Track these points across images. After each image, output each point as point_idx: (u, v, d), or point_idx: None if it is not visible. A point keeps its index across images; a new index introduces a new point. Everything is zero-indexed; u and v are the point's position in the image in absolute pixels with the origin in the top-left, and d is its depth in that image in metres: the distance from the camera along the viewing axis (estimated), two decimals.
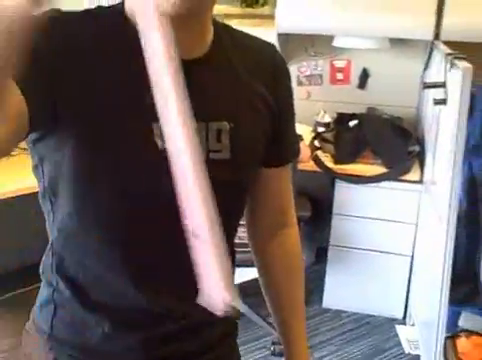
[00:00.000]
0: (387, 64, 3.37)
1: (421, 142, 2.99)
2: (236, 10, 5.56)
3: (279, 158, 1.02)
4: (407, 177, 2.88)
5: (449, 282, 2.09)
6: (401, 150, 2.90)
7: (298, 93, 3.56)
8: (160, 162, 0.74)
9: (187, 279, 0.89)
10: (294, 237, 1.12)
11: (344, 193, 2.97)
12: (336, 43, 3.17)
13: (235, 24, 3.50)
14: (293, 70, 3.56)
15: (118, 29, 0.82)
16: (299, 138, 2.73)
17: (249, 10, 5.43)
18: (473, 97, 2.04)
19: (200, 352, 0.98)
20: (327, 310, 3.16)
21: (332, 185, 2.99)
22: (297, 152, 1.07)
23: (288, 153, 1.05)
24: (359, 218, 2.99)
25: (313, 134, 3.21)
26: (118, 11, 0.84)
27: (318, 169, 2.93)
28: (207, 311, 0.96)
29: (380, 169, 2.91)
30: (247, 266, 2.69)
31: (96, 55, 0.80)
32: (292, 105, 1.02)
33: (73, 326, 0.93)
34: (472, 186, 2.20)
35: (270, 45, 0.99)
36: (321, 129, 3.28)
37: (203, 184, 0.67)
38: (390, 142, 2.93)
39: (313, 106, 3.47)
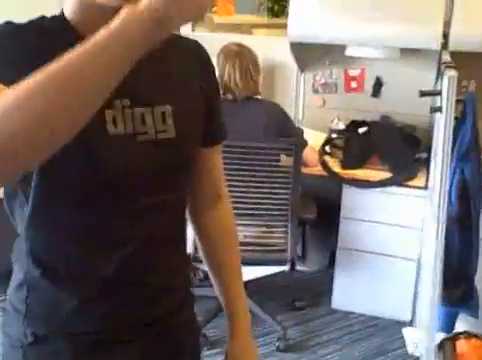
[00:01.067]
0: (400, 73, 3.46)
1: (430, 150, 3.07)
2: (262, 20, 5.70)
3: (212, 138, 1.18)
4: (413, 183, 2.96)
5: (440, 282, 2.16)
6: (408, 157, 2.98)
7: (313, 101, 3.68)
8: (111, 145, 0.94)
9: (152, 249, 1.02)
10: (226, 208, 1.27)
11: (351, 198, 3.07)
12: (348, 52, 3.27)
13: (262, 34, 3.63)
14: (308, 78, 3.68)
15: (62, 32, 0.94)
16: (305, 143, 2.85)
17: (275, 20, 5.56)
18: (464, 104, 2.12)
19: (162, 318, 1.10)
20: (336, 311, 3.26)
21: (340, 190, 3.09)
22: (225, 134, 1.21)
23: (220, 133, 1.20)
24: (366, 222, 3.08)
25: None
26: (61, 19, 0.97)
27: (326, 174, 3.04)
28: (168, 280, 1.11)
29: (386, 175, 2.99)
30: (252, 265, 2.83)
31: (43, 56, 0.84)
32: (218, 92, 1.19)
33: (46, 304, 1.04)
34: (464, 190, 2.28)
35: (195, 41, 1.15)
36: (335, 136, 3.38)
37: None
38: (397, 149, 3.01)
39: (328, 113, 3.58)
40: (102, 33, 0.73)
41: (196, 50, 1.13)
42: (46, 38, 0.92)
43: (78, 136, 0.84)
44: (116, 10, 0.77)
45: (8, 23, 0.93)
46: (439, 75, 3.16)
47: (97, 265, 1.02)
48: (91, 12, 0.93)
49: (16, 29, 0.92)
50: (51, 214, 0.99)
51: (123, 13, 0.74)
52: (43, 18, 0.97)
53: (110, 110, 0.94)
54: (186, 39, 1.13)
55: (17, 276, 1.07)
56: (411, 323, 3.15)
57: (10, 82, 0.74)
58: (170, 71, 1.05)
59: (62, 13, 0.98)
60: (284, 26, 3.92)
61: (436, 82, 3.28)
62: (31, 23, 0.95)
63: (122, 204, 1.00)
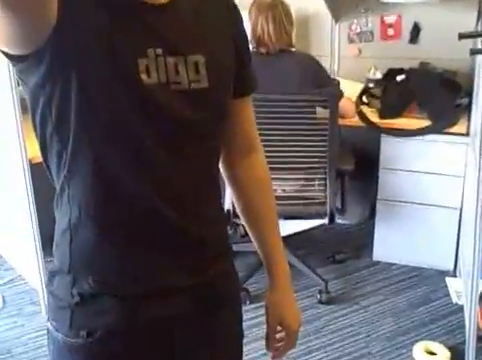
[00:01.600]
0: (439, 17, 3.34)
1: (471, 95, 2.97)
2: None
3: (244, 88, 1.17)
4: (454, 130, 2.89)
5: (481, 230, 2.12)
6: (448, 103, 2.89)
7: (349, 50, 3.60)
8: (145, 93, 0.94)
9: (189, 198, 1.05)
10: (260, 159, 1.27)
11: (390, 147, 3.02)
12: None
13: None
14: (343, 28, 3.59)
15: None
16: (341, 93, 2.80)
17: None
18: None
19: (203, 270, 1.10)
20: (377, 263, 3.25)
21: (378, 140, 3.04)
22: (255, 86, 1.20)
23: (251, 83, 1.19)
24: (406, 172, 3.03)
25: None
26: None
27: (364, 125, 2.98)
28: (207, 229, 1.09)
29: (426, 123, 2.92)
30: (292, 219, 2.83)
31: (89, 1, 0.92)
32: (248, 42, 1.18)
33: (89, 252, 1.04)
34: None
35: None
36: (372, 85, 3.30)
37: None
38: (437, 96, 2.93)
39: (364, 63, 3.50)
40: None
41: (225, 0, 1.13)
42: None
43: (112, 84, 0.89)
44: None
45: None
46: (480, 17, 3.04)
47: (137, 212, 1.02)
48: None
49: None
50: (90, 158, 0.98)
51: None
52: None
53: (143, 59, 0.94)
54: None
55: (60, 226, 1.07)
56: (454, 273, 3.12)
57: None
58: (201, 21, 1.04)
59: None
60: None
61: (477, 24, 3.16)
62: None
63: (155, 150, 0.99)
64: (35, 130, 1.02)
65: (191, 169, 1.05)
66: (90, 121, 0.95)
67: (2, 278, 3.22)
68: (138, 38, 0.95)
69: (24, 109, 2.35)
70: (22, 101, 2.38)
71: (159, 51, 0.96)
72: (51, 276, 1.10)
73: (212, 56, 1.02)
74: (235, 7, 1.14)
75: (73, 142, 0.97)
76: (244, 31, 1.16)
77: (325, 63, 3.29)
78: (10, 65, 2.22)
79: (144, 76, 0.94)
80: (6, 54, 0.90)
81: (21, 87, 0.98)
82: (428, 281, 3.09)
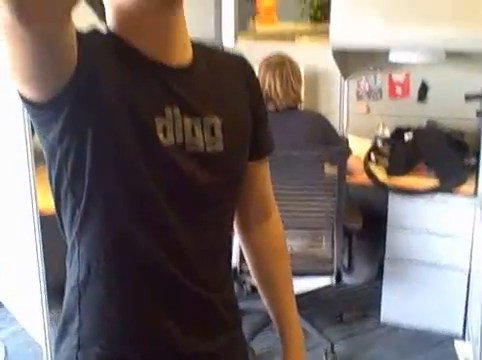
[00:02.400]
0: (446, 76, 3.35)
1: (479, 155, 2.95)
2: (305, 26, 5.65)
3: (260, 151, 1.16)
4: (462, 190, 2.85)
5: None
6: (456, 163, 2.88)
7: (357, 107, 3.61)
8: (161, 154, 0.93)
9: (202, 262, 1.03)
10: (276, 221, 1.25)
11: (398, 206, 2.98)
12: (392, 58, 3.19)
13: (305, 40, 3.59)
14: (352, 85, 3.61)
15: (116, 47, 0.96)
16: (349, 151, 2.79)
17: (318, 26, 5.50)
18: None
19: (209, 333, 1.07)
20: (384, 324, 3.16)
21: (386, 199, 3.01)
22: (272, 146, 1.19)
23: (268, 145, 1.19)
24: (414, 231, 2.99)
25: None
26: (108, 32, 0.99)
27: (371, 183, 2.96)
28: (217, 291, 1.07)
29: (434, 182, 2.89)
30: (298, 276, 2.78)
31: (109, 60, 0.93)
32: (264, 105, 1.18)
33: (96, 310, 1.00)
34: None
35: (240, 55, 1.16)
36: (380, 143, 3.30)
37: None
38: (444, 155, 2.91)
39: (373, 120, 3.50)
40: None
41: (242, 64, 1.14)
42: (108, 50, 0.95)
43: (128, 142, 0.90)
44: (155, 15, 0.90)
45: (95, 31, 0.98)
46: None
47: (147, 274, 0.99)
48: (131, 18, 0.96)
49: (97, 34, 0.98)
50: (101, 217, 0.97)
51: None
52: (97, 32, 0.99)
53: (161, 118, 0.94)
54: (233, 54, 1.15)
55: (69, 283, 1.04)
56: (463, 337, 3.03)
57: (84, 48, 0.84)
58: (219, 84, 1.05)
59: (107, 28, 0.99)
60: (327, 32, 3.87)
61: None
62: (99, 35, 0.98)
63: (169, 214, 0.97)
64: (51, 184, 1.00)
65: (204, 235, 1.03)
66: (103, 179, 0.93)
67: (5, 329, 3.17)
68: (156, 97, 0.95)
69: (37, 160, 2.36)
70: (35, 152, 2.39)
71: (177, 111, 0.96)
72: (58, 338, 1.07)
73: (228, 119, 1.02)
74: (253, 74, 1.15)
75: (86, 199, 0.95)
76: (260, 94, 1.17)
77: (334, 119, 3.30)
78: (26, 115, 2.27)
79: (161, 135, 0.93)
80: (26, 101, 0.89)
81: (40, 140, 0.98)
82: (436, 345, 3.00)
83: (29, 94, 0.88)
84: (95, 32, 0.97)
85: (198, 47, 1.05)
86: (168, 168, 0.95)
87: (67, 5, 0.74)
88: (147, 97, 0.94)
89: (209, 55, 1.08)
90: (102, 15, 1.00)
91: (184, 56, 1.01)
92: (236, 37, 4.07)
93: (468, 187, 2.86)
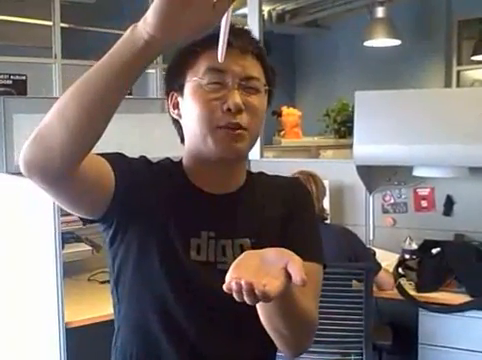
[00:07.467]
0: (471, 191, 3.39)
1: None
2: (329, 141, 5.83)
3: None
4: None
5: None
6: None
7: (383, 221, 3.64)
8: (192, 268, 1.05)
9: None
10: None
11: (429, 322, 2.92)
12: (416, 173, 3.26)
13: (329, 154, 3.68)
14: (377, 198, 3.66)
15: (176, 175, 1.11)
16: (379, 267, 2.78)
17: (342, 141, 5.68)
18: None
19: None
20: None
21: (417, 314, 2.96)
22: (319, 257, 1.20)
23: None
24: (447, 349, 2.91)
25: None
26: (179, 164, 1.13)
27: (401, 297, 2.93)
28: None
29: (465, 298, 2.85)
30: None
31: (156, 187, 1.08)
32: (308, 219, 1.20)
33: None
34: None
35: (295, 179, 1.27)
36: (407, 256, 3.29)
37: None
38: (474, 269, 2.89)
39: (400, 233, 3.51)
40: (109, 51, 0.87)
41: (292, 186, 1.21)
42: (163, 176, 1.10)
43: (163, 257, 1.04)
44: (217, 162, 1.05)
45: (144, 157, 1.15)
46: None
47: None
48: (197, 162, 1.10)
49: (147, 161, 1.14)
50: (133, 319, 1.10)
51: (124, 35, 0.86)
52: (168, 159, 1.15)
53: (196, 239, 1.07)
54: (289, 178, 1.25)
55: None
56: None
57: (119, 172, 1.01)
58: (255, 208, 1.14)
59: (181, 159, 1.15)
60: (350, 146, 3.99)
61: None
62: (158, 162, 1.14)
63: (199, 324, 1.07)
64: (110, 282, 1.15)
65: (225, 350, 1.09)
66: (137, 288, 1.07)
67: None
68: (192, 221, 1.08)
69: (65, 272, 2.44)
70: (64, 264, 2.46)
71: (212, 234, 1.08)
72: None
73: (259, 238, 1.10)
74: (300, 192, 1.21)
75: (122, 298, 1.10)
76: (305, 208, 1.19)
77: (360, 232, 3.32)
78: (56, 227, 2.35)
79: (193, 253, 1.06)
80: (82, 218, 1.05)
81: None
82: None
83: (80, 215, 1.03)
84: (142, 158, 1.13)
85: (255, 175, 1.18)
86: (197, 283, 1.07)
87: (59, 172, 0.87)
88: (182, 221, 1.07)
89: (263, 182, 1.18)
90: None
91: (235, 182, 1.14)
92: (262, 151, 4.20)
93: None
